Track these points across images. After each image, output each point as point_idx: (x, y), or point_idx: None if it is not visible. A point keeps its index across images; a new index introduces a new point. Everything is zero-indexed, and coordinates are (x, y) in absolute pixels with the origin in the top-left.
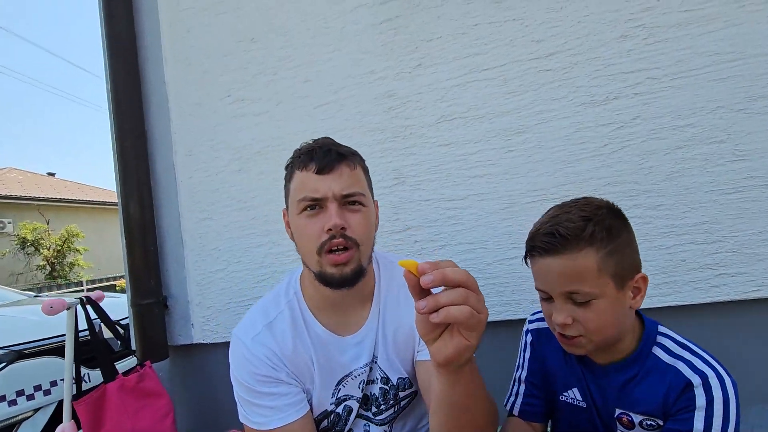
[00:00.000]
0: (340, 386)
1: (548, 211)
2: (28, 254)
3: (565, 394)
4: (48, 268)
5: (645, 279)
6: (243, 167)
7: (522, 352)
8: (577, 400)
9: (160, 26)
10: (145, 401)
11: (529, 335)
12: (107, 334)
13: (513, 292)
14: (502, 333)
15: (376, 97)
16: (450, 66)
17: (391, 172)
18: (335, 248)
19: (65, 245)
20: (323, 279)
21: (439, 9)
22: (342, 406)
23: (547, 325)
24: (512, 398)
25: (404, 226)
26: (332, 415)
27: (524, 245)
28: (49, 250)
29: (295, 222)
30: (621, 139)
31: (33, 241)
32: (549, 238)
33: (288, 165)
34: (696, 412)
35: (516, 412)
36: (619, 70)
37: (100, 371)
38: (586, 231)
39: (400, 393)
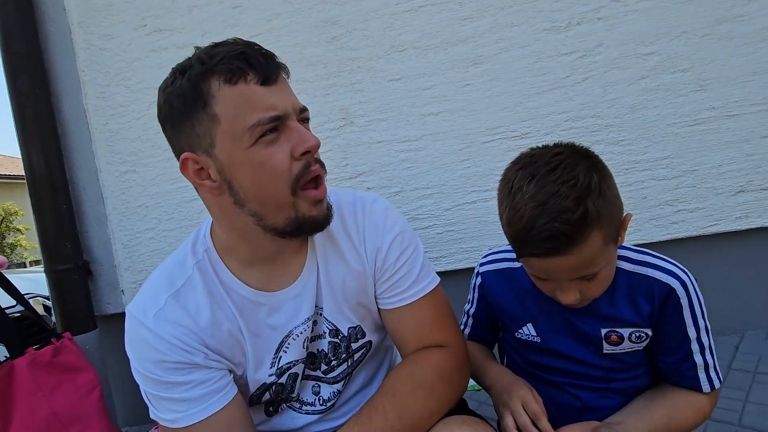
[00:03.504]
0: (281, 353)
1: (513, 180)
2: None
3: (520, 331)
4: None
5: (629, 216)
6: None
7: (472, 290)
8: (532, 335)
9: None
10: (64, 377)
11: (479, 278)
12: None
13: (472, 239)
14: (463, 282)
15: (317, 25)
16: None
17: (338, 112)
18: (311, 179)
19: (3, 225)
20: (299, 227)
21: None
22: (286, 375)
23: (500, 267)
24: (462, 327)
25: (355, 171)
26: (275, 387)
27: (498, 217)
28: None
29: (248, 158)
30: (584, 69)
31: None
32: (552, 243)
33: (190, 82)
34: (683, 310)
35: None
36: None
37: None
38: (589, 216)
39: (352, 344)
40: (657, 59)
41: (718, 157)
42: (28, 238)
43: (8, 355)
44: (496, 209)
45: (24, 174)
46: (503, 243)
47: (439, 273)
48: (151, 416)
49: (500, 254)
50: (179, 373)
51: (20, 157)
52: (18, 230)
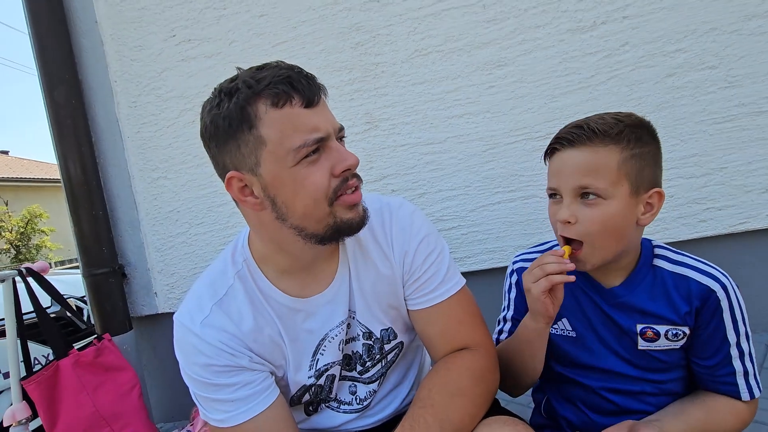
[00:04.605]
0: (318, 355)
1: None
2: None
3: (555, 326)
4: (12, 251)
5: (661, 196)
6: (197, 118)
7: (507, 293)
8: (567, 330)
9: None
10: (106, 376)
11: (515, 275)
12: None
13: (497, 239)
14: (488, 282)
15: (341, 31)
16: None
17: (363, 116)
18: (348, 189)
19: (28, 227)
20: (337, 231)
21: None
22: (324, 377)
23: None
24: (495, 335)
25: (380, 174)
26: (314, 388)
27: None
28: (11, 232)
29: (291, 177)
30: (609, 68)
31: None
32: (577, 130)
33: (238, 105)
34: (723, 313)
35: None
36: None
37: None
38: (615, 128)
39: (385, 346)
40: (684, 56)
41: (748, 155)
42: (53, 240)
43: (53, 356)
44: (521, 210)
45: (47, 177)
46: (527, 244)
47: (463, 273)
48: (201, 417)
49: (531, 254)
50: (226, 376)
51: (43, 161)
52: (43, 232)
